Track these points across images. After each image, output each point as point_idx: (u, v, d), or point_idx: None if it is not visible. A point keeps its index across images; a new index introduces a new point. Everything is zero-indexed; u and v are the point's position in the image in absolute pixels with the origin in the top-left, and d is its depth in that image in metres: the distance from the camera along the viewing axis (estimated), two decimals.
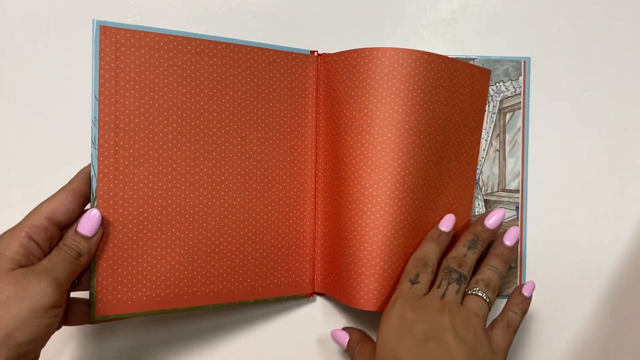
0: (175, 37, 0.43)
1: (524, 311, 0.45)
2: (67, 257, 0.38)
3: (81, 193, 0.40)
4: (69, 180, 0.41)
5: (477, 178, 0.51)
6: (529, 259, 0.52)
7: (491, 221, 0.46)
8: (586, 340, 0.52)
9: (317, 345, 0.51)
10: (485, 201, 0.51)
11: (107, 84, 0.41)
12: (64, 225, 0.40)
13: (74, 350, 0.37)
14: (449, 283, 0.42)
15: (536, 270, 0.51)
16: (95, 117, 0.41)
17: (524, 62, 0.51)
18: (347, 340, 0.48)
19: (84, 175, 0.41)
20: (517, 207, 0.51)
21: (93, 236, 0.40)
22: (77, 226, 0.40)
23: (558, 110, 0.52)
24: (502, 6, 0.53)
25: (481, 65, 0.50)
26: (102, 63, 0.41)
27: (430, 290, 0.43)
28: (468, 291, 0.43)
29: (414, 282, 0.43)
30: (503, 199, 0.51)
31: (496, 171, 0.51)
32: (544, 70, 0.52)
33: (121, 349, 0.50)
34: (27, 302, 0.35)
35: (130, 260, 0.42)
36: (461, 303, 0.42)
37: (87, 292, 0.41)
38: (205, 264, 0.45)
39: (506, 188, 0.51)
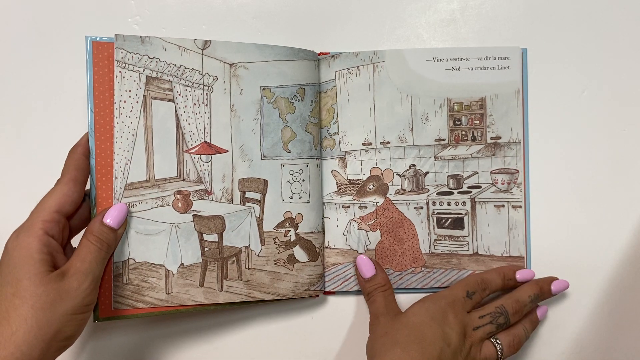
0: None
1: (534, 329, 0.49)
2: (98, 250, 0.40)
3: (79, 181, 0.42)
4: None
5: None
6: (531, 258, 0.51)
7: (556, 288, 0.49)
8: (586, 340, 0.52)
9: (317, 343, 0.52)
10: None
11: (101, 97, 0.43)
12: (72, 215, 0.42)
13: (74, 346, 0.38)
14: (490, 323, 0.45)
15: (536, 269, 0.50)
16: (91, 128, 0.43)
17: (522, 52, 0.50)
18: (373, 275, 0.48)
19: (76, 163, 0.42)
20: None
21: (119, 228, 0.42)
22: (103, 217, 0.42)
23: (557, 106, 0.51)
24: (501, 6, 0.52)
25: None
26: (96, 77, 0.43)
27: (473, 312, 0.46)
28: (494, 339, 0.46)
29: (470, 295, 0.46)
30: None
31: None
32: (543, 68, 0.51)
33: (122, 345, 0.51)
34: (70, 303, 0.38)
35: None
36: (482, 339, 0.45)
37: None
38: None
39: None
